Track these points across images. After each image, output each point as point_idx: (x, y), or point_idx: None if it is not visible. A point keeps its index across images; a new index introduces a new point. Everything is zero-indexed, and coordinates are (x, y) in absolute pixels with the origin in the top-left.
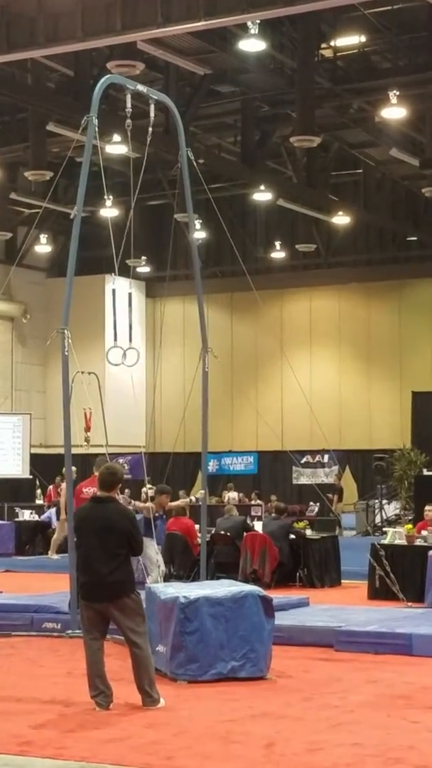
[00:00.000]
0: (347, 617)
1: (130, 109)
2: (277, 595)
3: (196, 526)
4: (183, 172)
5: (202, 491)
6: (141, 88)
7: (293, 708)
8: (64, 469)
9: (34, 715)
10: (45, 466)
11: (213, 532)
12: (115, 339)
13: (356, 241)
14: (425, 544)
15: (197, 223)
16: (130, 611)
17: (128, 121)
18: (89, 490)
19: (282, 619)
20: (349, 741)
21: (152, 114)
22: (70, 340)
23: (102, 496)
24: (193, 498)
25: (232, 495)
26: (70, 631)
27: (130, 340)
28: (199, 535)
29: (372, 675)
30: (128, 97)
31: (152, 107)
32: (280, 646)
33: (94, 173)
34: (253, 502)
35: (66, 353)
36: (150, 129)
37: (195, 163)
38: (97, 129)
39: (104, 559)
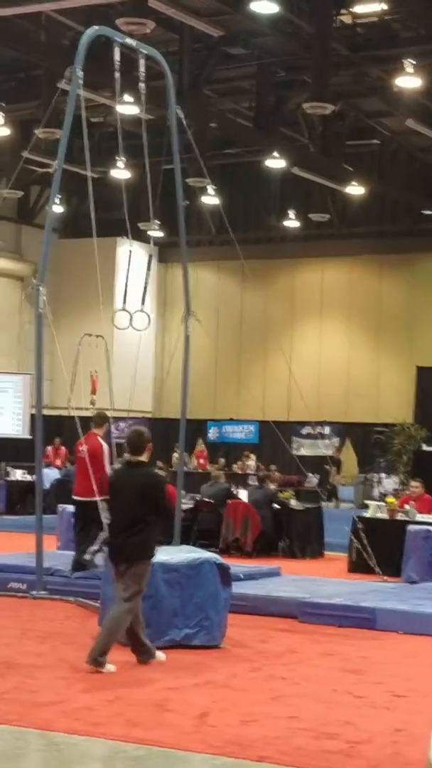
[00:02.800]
0: (315, 589)
1: (119, 62)
2: (249, 564)
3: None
4: (172, 131)
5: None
6: (130, 41)
7: (239, 678)
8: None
9: None
10: (50, 427)
11: (198, 498)
12: (124, 302)
13: (370, 213)
14: (406, 518)
15: (211, 189)
16: (134, 576)
17: (116, 74)
18: (83, 447)
19: (249, 588)
20: (286, 714)
21: (142, 68)
22: (44, 297)
23: (133, 461)
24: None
25: (250, 463)
26: (35, 592)
27: (143, 303)
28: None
29: (329, 648)
30: (116, 50)
31: (142, 61)
32: (244, 615)
33: (108, 134)
34: (250, 471)
35: (41, 310)
36: (141, 84)
37: (184, 122)
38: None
39: (128, 523)
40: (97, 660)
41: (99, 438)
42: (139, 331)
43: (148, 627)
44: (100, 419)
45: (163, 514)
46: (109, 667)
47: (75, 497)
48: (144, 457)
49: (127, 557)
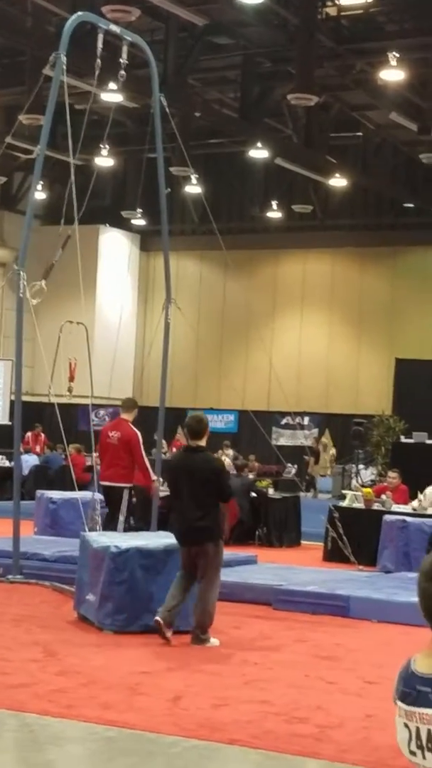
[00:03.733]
0: (291, 577)
1: (102, 48)
2: (226, 552)
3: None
4: (156, 119)
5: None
6: (114, 28)
7: (212, 663)
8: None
9: None
10: (30, 414)
11: None
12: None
13: (353, 205)
14: (382, 508)
15: (194, 178)
16: (208, 558)
17: (98, 61)
18: (114, 434)
19: (225, 575)
20: (258, 698)
21: (124, 54)
22: (25, 282)
23: (193, 446)
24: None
25: (228, 452)
26: (11, 576)
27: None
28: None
29: (303, 635)
30: (100, 37)
31: (125, 48)
32: (219, 601)
33: (92, 122)
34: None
35: (21, 295)
36: (122, 72)
37: (167, 109)
38: (97, 74)
39: (192, 506)
40: (200, 638)
41: (131, 425)
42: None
43: (122, 612)
44: (130, 404)
45: (225, 497)
46: (213, 641)
47: (104, 482)
48: (203, 442)
49: (197, 540)
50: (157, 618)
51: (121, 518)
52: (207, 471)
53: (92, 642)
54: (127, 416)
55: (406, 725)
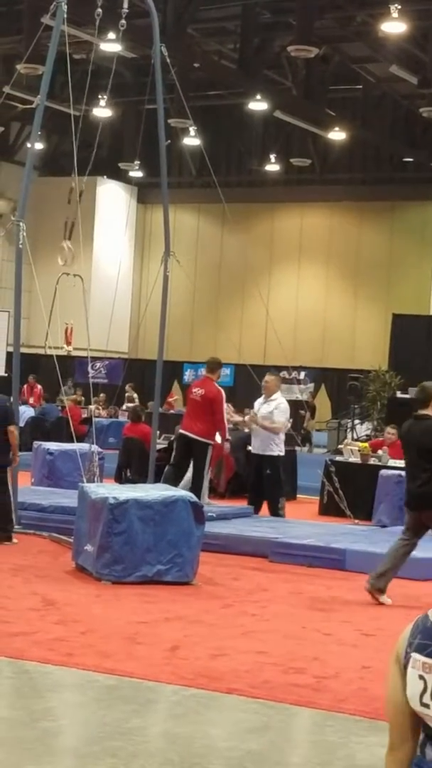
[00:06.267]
0: (287, 530)
1: None
2: (222, 504)
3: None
4: (156, 69)
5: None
6: None
7: (210, 614)
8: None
9: None
10: (25, 365)
11: (172, 438)
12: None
13: (352, 159)
14: (378, 463)
15: (192, 130)
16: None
17: (98, 10)
18: (198, 390)
19: (222, 527)
20: (255, 649)
21: (125, 3)
22: (24, 233)
23: (419, 414)
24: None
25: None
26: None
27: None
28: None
29: (299, 587)
30: None
31: None
32: (216, 553)
33: (91, 72)
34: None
35: (20, 246)
36: (123, 21)
37: (168, 60)
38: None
39: (415, 472)
40: (379, 588)
41: (215, 384)
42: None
43: (120, 563)
44: (214, 365)
45: None
46: (385, 599)
47: (183, 431)
48: (429, 411)
49: (416, 506)
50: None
51: (205, 474)
52: (424, 439)
53: (90, 592)
54: (212, 375)
55: (421, 677)
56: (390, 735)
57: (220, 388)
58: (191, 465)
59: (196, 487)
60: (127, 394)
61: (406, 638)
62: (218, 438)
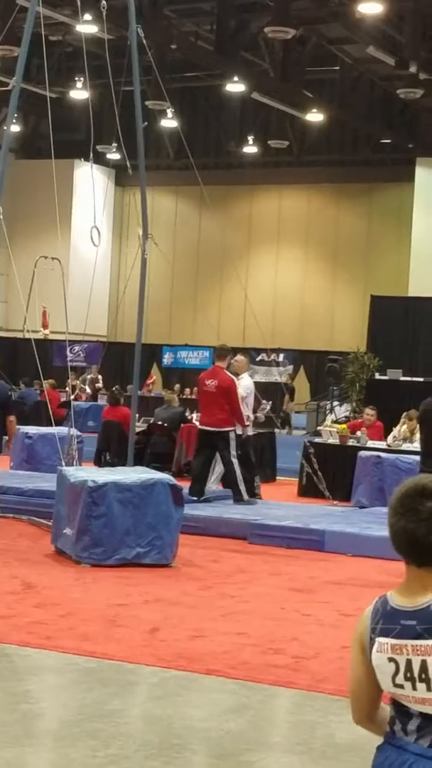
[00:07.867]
0: (266, 512)
1: None
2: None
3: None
4: (132, 51)
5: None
6: None
7: (189, 596)
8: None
9: None
10: (4, 349)
11: (151, 422)
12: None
13: (329, 141)
14: (357, 444)
15: (170, 112)
16: None
17: None
18: (211, 382)
19: (201, 509)
20: (234, 630)
21: None
22: (1, 216)
23: None
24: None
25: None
26: None
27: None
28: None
29: (278, 568)
30: None
31: None
32: (195, 536)
33: (68, 54)
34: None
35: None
36: (103, 2)
37: (144, 41)
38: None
39: (429, 451)
40: None
41: (226, 372)
42: (95, 246)
43: (99, 546)
44: (223, 352)
45: None
46: None
47: (203, 427)
48: None
49: None
50: None
51: (234, 460)
52: None
53: (70, 575)
54: (221, 363)
55: (392, 659)
56: (354, 712)
57: (231, 375)
58: (217, 457)
59: (230, 481)
60: (90, 376)
61: (367, 623)
62: (239, 430)
